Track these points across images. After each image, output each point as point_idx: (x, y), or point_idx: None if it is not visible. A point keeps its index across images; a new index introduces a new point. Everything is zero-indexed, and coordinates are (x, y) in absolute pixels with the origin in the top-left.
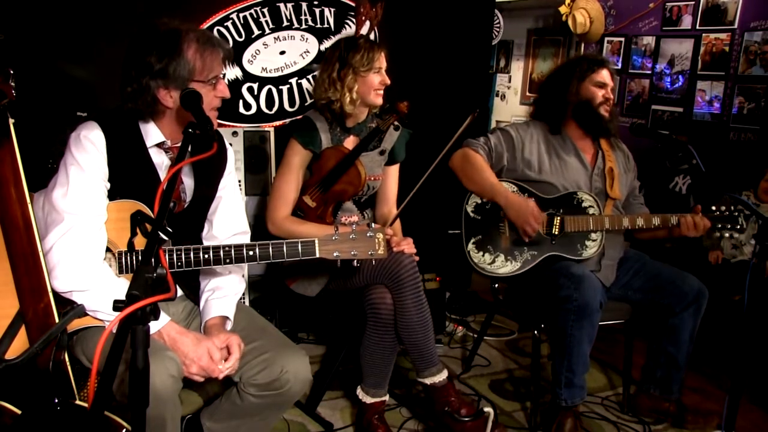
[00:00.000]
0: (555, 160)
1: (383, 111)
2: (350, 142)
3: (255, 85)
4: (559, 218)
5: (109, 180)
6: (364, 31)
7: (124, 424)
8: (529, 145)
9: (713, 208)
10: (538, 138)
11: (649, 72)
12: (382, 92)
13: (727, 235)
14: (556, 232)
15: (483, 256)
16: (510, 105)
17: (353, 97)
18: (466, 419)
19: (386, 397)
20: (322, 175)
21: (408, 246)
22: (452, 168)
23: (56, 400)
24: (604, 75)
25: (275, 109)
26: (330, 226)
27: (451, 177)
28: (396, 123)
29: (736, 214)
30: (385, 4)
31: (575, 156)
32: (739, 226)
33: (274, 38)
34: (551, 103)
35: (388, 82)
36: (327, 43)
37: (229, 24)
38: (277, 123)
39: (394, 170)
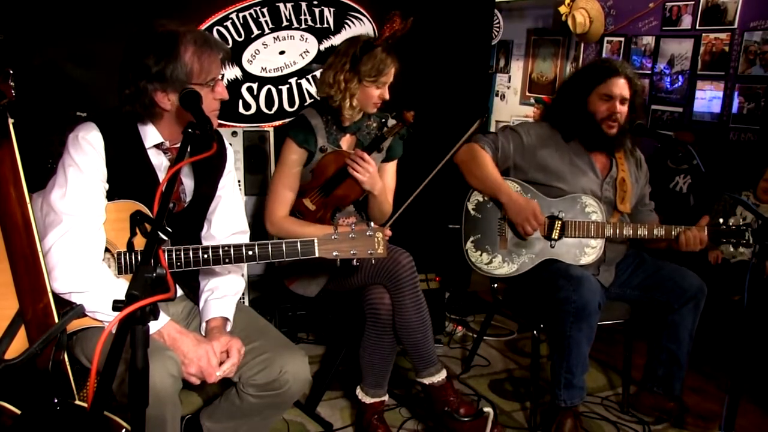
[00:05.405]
0: (567, 166)
1: (382, 114)
2: (346, 141)
3: (254, 85)
4: (560, 222)
5: (108, 181)
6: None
7: (124, 424)
8: (542, 150)
9: (720, 221)
10: (550, 143)
11: (648, 72)
12: (379, 104)
13: (732, 249)
14: (556, 236)
15: (480, 255)
16: (510, 105)
17: (353, 104)
18: (466, 419)
19: (386, 397)
20: (324, 180)
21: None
22: (456, 162)
23: (56, 400)
24: (613, 85)
25: (275, 109)
26: (329, 226)
27: (453, 171)
28: (402, 132)
29: (744, 228)
30: (384, 4)
31: (588, 164)
32: (744, 241)
33: (274, 38)
34: (564, 114)
35: (387, 97)
36: (327, 43)
37: (228, 24)
38: (277, 123)
39: (391, 167)
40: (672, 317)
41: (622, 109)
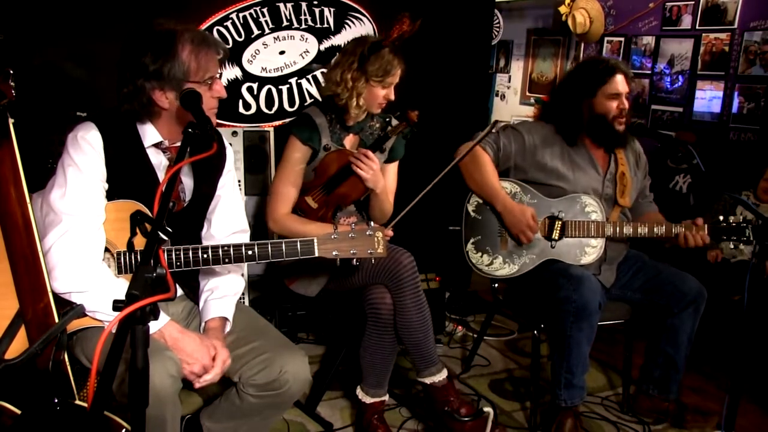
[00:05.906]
0: (568, 165)
1: (385, 114)
2: (349, 140)
3: (255, 85)
4: (560, 223)
5: (107, 181)
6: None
7: (124, 424)
8: (542, 150)
9: (720, 218)
10: (551, 142)
11: (648, 72)
12: (384, 105)
13: (732, 246)
14: (556, 237)
15: (481, 257)
16: (510, 105)
17: (359, 103)
18: (466, 419)
19: (386, 397)
20: (326, 179)
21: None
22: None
23: (56, 400)
24: (617, 83)
25: (275, 109)
26: (330, 224)
27: (454, 173)
28: (405, 131)
29: (744, 225)
30: (385, 4)
31: (588, 161)
32: (745, 238)
33: (274, 38)
34: (565, 118)
35: (392, 98)
36: (327, 43)
37: (228, 24)
38: (277, 123)
39: (392, 167)
40: (671, 321)
41: (627, 105)
